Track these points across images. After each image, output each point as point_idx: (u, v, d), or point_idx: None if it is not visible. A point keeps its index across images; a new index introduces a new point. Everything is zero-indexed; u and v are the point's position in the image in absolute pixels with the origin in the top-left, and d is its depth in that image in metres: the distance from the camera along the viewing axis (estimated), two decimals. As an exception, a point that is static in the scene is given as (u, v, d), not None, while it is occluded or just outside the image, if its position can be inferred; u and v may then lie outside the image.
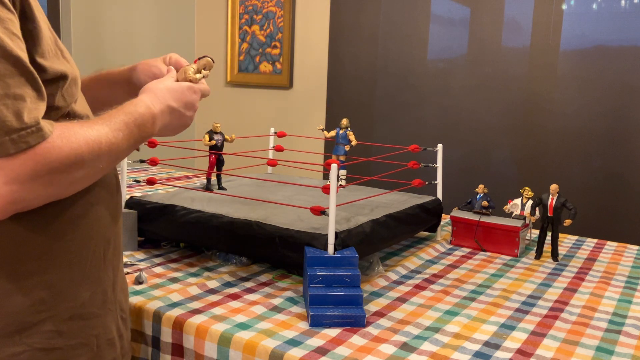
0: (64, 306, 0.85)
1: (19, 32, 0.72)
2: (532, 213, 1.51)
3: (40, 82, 0.73)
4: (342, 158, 1.55)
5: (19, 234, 0.79)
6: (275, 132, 1.77)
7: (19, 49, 0.70)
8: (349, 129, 1.56)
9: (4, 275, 0.79)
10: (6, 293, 0.80)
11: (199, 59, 1.07)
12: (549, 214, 1.45)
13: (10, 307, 0.80)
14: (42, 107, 0.73)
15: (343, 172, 1.57)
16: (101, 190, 0.90)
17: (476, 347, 0.97)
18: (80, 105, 0.89)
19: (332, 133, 1.58)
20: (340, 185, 1.56)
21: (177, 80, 1.02)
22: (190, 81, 1.02)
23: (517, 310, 1.14)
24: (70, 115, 0.84)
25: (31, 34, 0.75)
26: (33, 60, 0.75)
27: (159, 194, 1.52)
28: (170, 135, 0.99)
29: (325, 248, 1.11)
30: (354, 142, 1.55)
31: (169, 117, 0.94)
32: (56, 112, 0.80)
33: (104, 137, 0.79)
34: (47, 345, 0.83)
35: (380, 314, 1.09)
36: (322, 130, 1.62)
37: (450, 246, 1.57)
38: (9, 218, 0.75)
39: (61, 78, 0.79)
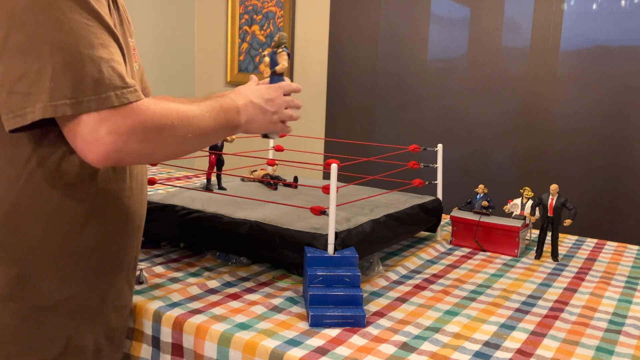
0: (41, 294, 0.86)
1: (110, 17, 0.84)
2: (532, 213, 1.51)
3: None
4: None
5: (21, 207, 0.84)
6: (275, 132, 1.77)
7: (114, 29, 0.82)
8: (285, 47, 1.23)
9: None
10: None
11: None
12: (549, 214, 1.45)
13: None
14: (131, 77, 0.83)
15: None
16: (105, 205, 0.92)
17: (476, 347, 0.97)
18: None
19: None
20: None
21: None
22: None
23: (517, 310, 1.14)
24: None
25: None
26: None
27: (159, 194, 1.52)
28: (259, 132, 1.09)
29: (325, 248, 1.11)
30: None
31: (252, 111, 1.03)
32: None
33: (191, 111, 0.89)
34: (18, 325, 0.85)
35: (380, 314, 1.09)
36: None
37: (450, 246, 1.57)
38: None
39: None
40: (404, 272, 1.34)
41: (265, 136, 1.18)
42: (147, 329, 1.06)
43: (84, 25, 0.76)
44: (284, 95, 1.11)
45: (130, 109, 0.79)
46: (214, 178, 1.53)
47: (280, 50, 1.22)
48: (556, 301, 1.19)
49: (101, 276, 0.93)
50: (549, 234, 1.48)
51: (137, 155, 0.83)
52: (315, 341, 0.97)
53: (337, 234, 1.13)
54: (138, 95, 0.80)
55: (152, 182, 1.41)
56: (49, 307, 0.87)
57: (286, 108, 1.11)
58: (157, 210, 1.36)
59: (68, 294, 0.88)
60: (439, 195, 1.62)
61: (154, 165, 1.42)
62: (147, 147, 0.82)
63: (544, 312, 1.14)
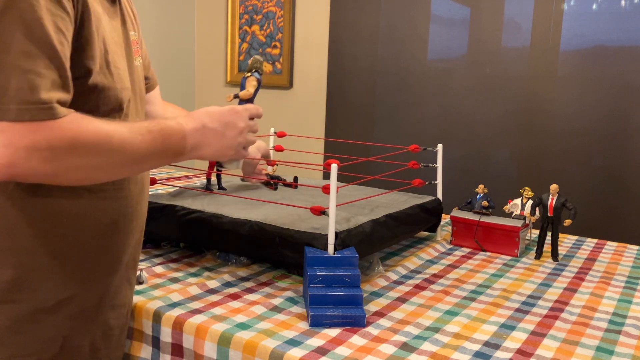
0: (38, 296, 0.86)
1: (66, 30, 0.77)
2: (532, 213, 1.51)
3: (69, 75, 0.78)
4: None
5: (15, 209, 0.83)
6: (275, 132, 1.77)
7: (58, 42, 0.76)
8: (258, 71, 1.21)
9: None
10: None
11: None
12: (549, 214, 1.45)
13: None
14: (64, 95, 0.76)
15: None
16: (99, 200, 0.91)
17: (476, 347, 0.97)
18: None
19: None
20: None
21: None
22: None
23: (517, 310, 1.14)
24: None
25: (83, 41, 0.81)
26: (82, 63, 0.81)
27: (159, 194, 1.52)
28: (218, 158, 0.99)
29: (325, 248, 1.11)
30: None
31: (204, 137, 0.93)
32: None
33: (117, 134, 0.81)
34: (14, 327, 0.85)
35: (380, 314, 1.09)
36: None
37: (450, 246, 1.57)
38: (8, 196, 0.81)
39: (96, 88, 0.84)
40: (404, 272, 1.34)
41: (220, 165, 1.06)
42: (147, 328, 1.06)
43: (8, 30, 0.72)
44: (250, 119, 1.01)
45: (36, 125, 0.73)
46: (214, 178, 1.53)
47: (249, 75, 1.15)
48: (556, 301, 1.19)
49: (100, 276, 0.93)
50: (549, 234, 1.48)
51: (37, 174, 0.77)
52: (315, 341, 0.97)
53: (337, 234, 1.13)
54: (53, 114, 0.74)
55: (152, 182, 1.41)
56: (46, 308, 0.86)
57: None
58: (157, 210, 1.36)
59: (66, 294, 0.88)
60: (439, 195, 1.62)
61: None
62: (50, 167, 0.76)
63: (544, 312, 1.13)
